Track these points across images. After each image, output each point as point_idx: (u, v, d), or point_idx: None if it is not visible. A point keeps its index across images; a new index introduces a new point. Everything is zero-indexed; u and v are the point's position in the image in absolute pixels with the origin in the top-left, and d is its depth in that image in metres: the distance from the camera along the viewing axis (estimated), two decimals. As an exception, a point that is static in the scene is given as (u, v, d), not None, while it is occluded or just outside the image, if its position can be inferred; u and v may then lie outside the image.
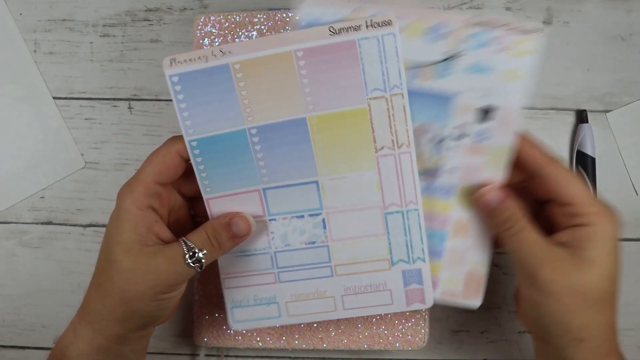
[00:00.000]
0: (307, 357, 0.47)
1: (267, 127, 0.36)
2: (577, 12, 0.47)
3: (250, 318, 0.40)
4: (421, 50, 0.36)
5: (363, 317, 0.44)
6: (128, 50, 0.48)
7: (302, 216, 0.38)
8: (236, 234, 0.36)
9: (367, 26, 0.35)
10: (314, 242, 0.38)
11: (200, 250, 0.34)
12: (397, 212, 0.38)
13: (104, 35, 0.48)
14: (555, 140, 0.47)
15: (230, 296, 0.39)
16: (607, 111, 0.47)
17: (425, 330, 0.44)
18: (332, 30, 0.35)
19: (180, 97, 0.36)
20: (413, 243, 0.38)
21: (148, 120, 0.47)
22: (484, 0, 0.47)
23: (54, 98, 0.48)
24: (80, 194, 0.48)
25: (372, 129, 0.36)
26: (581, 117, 0.46)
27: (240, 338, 0.44)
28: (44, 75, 0.48)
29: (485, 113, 0.36)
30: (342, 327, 0.44)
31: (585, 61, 0.47)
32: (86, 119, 0.48)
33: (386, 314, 0.44)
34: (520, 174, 0.38)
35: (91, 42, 0.48)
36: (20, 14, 0.48)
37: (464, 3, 0.47)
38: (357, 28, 0.35)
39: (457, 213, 0.38)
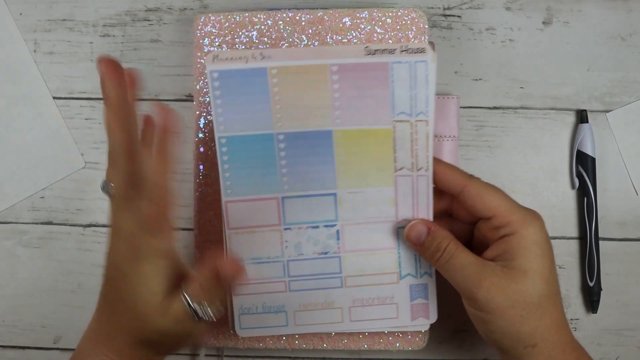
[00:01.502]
0: (307, 357, 0.47)
1: (294, 135, 0.37)
2: (577, 12, 0.47)
3: (257, 325, 0.40)
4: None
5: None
6: (128, 50, 0.48)
7: (317, 227, 0.39)
8: (227, 279, 0.35)
9: (401, 51, 0.35)
10: (326, 253, 0.39)
11: (200, 304, 0.34)
12: None
13: (104, 35, 0.48)
14: (555, 140, 0.47)
15: (238, 303, 0.39)
16: (607, 111, 0.47)
17: (425, 330, 0.44)
18: (367, 50, 0.35)
19: (217, 93, 0.36)
20: (421, 258, 0.39)
21: (148, 120, 0.47)
22: (484, 1, 0.47)
23: (54, 98, 0.48)
24: (80, 194, 0.48)
25: (394, 149, 0.37)
26: (581, 117, 0.46)
27: (240, 338, 0.44)
28: (44, 75, 0.48)
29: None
30: (342, 327, 0.44)
31: (585, 61, 0.47)
32: (86, 119, 0.48)
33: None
34: (444, 201, 0.39)
35: (91, 42, 0.48)
36: (20, 14, 0.48)
37: (464, 3, 0.47)
38: (391, 51, 0.35)
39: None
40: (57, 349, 0.47)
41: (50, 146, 0.48)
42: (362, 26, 0.44)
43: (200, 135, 0.45)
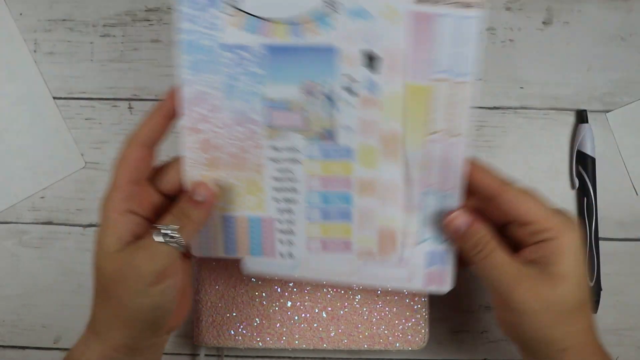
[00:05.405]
0: (307, 357, 0.47)
1: None
2: (577, 12, 0.47)
3: (263, 267, 0.38)
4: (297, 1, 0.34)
5: (363, 317, 0.44)
6: (128, 50, 0.48)
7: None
8: (200, 201, 0.35)
9: (450, 3, 0.33)
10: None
11: (172, 229, 0.34)
12: (435, 193, 0.37)
13: (104, 35, 0.48)
14: (555, 140, 0.47)
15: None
16: (607, 111, 0.47)
17: (425, 330, 0.44)
18: None
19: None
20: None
21: (148, 120, 0.47)
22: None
23: (54, 98, 0.48)
24: (80, 194, 0.48)
25: (429, 111, 0.35)
26: (581, 117, 0.46)
27: (240, 338, 0.44)
28: (44, 75, 0.48)
29: (370, 60, 0.34)
30: (342, 327, 0.44)
31: (585, 61, 0.47)
32: (86, 119, 0.48)
33: (386, 313, 0.44)
34: (475, 200, 0.38)
35: (91, 42, 0.48)
36: (20, 14, 0.48)
37: (464, 3, 0.47)
38: (437, 1, 0.33)
39: (359, 173, 0.36)
40: (57, 349, 0.47)
41: (50, 146, 0.48)
42: (362, 26, 0.43)
43: (200, 135, 0.45)
